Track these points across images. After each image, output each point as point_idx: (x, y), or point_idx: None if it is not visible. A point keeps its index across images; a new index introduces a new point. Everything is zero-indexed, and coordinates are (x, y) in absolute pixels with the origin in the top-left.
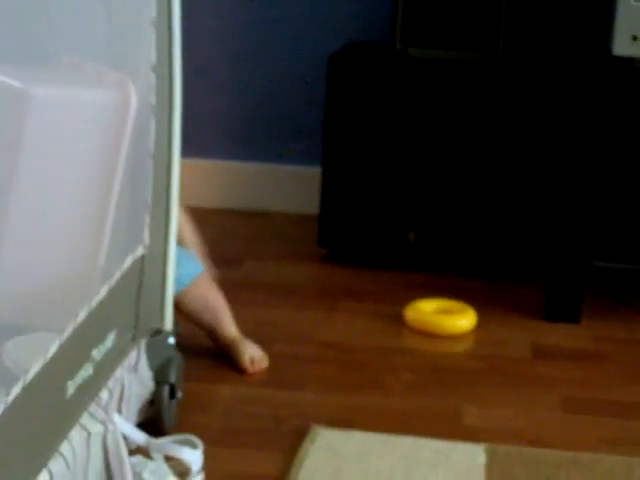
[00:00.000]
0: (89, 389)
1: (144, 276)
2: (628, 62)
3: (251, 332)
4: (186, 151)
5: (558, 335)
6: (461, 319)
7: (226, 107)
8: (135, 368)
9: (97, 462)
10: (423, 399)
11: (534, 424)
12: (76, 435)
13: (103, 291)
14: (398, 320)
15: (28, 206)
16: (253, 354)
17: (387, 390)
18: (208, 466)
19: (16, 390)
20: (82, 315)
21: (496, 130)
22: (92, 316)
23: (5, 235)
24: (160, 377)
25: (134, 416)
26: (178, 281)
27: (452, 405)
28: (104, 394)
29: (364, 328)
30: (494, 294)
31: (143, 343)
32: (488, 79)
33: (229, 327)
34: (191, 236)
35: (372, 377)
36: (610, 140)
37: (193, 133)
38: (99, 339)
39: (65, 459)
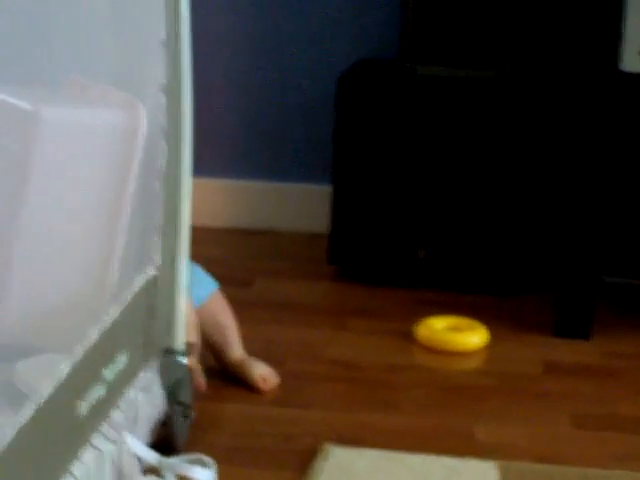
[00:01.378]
0: (101, 409)
1: (155, 296)
2: (636, 78)
3: (261, 351)
4: (195, 171)
5: (568, 351)
6: (472, 336)
7: (235, 126)
8: (147, 388)
9: None
10: (434, 416)
11: (545, 440)
12: (88, 455)
13: (114, 311)
14: (409, 337)
15: (38, 227)
16: (263, 372)
17: (398, 408)
18: None
19: (28, 411)
20: (93, 335)
21: (506, 147)
22: (103, 336)
23: (16, 256)
24: (172, 397)
25: (146, 436)
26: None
27: (463, 422)
28: (116, 414)
29: (375, 346)
30: (504, 311)
31: (154, 363)
32: (498, 96)
33: (237, 349)
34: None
35: (382, 395)
36: (620, 156)
37: (202, 152)
38: (110, 359)
39: (76, 479)
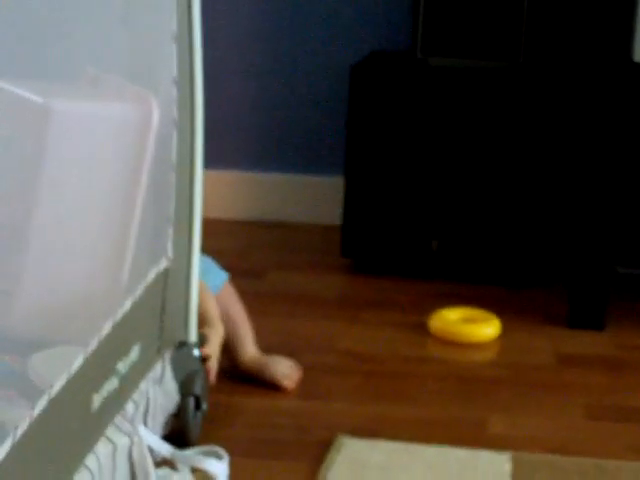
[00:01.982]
0: (114, 402)
1: (168, 289)
2: None
3: (275, 343)
4: (208, 163)
5: (582, 342)
6: (485, 327)
7: (247, 118)
8: (160, 380)
9: (123, 474)
10: (448, 408)
11: (559, 432)
12: (102, 448)
13: (127, 304)
14: (422, 329)
15: (51, 221)
16: (284, 369)
17: (412, 399)
18: (234, 477)
19: (42, 404)
20: (107, 328)
21: (518, 137)
22: (116, 329)
23: (28, 250)
24: (185, 389)
25: (160, 428)
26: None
27: (477, 414)
28: (129, 407)
29: (388, 338)
30: (518, 302)
31: (168, 355)
32: (510, 87)
33: (250, 346)
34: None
35: (396, 386)
36: (633, 146)
37: (215, 145)
38: (124, 352)
39: (91, 472)
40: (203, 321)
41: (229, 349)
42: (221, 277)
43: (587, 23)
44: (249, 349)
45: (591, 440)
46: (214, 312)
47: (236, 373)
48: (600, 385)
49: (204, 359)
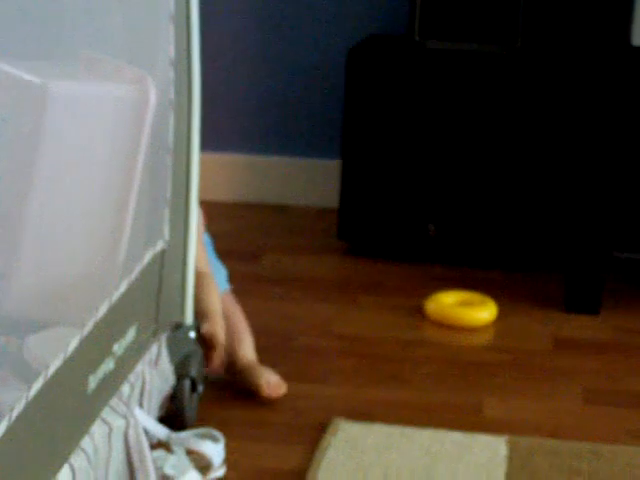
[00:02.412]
0: (110, 383)
1: (164, 271)
2: None
3: (271, 326)
4: (205, 145)
5: (579, 326)
6: (481, 311)
7: (244, 101)
8: (156, 362)
9: (119, 456)
10: (444, 391)
11: (555, 416)
12: (97, 430)
13: (123, 286)
14: (418, 313)
15: (48, 202)
16: (269, 378)
17: (408, 383)
18: (229, 460)
19: (37, 385)
20: (103, 310)
21: (516, 121)
22: (113, 311)
23: (25, 231)
24: (181, 371)
25: (155, 410)
26: None
27: (473, 397)
28: (125, 388)
29: (384, 321)
30: (514, 286)
31: (164, 337)
32: (507, 71)
33: (249, 351)
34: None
35: (393, 370)
36: (630, 131)
37: (212, 127)
38: (120, 333)
39: (87, 454)
40: (206, 315)
41: (227, 354)
42: (222, 286)
43: (585, 7)
44: (247, 356)
45: (587, 424)
46: (217, 307)
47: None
48: (597, 369)
49: (209, 345)
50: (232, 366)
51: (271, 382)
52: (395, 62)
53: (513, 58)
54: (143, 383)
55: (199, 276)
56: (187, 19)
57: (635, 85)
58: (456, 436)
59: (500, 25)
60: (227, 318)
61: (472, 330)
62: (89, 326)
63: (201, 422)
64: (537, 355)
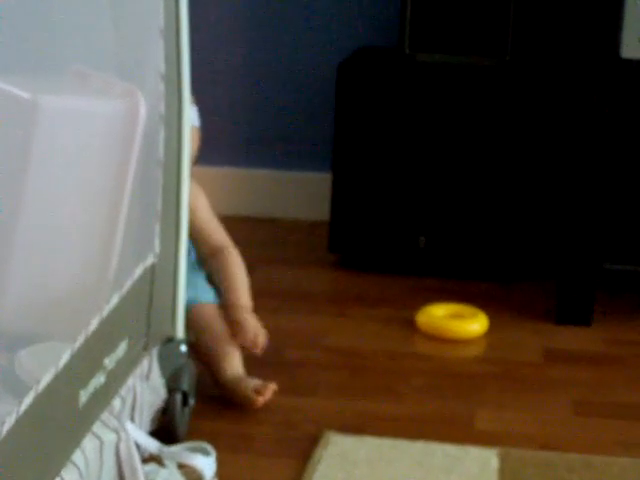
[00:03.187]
0: (102, 398)
1: (155, 284)
2: (636, 64)
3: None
4: (196, 159)
5: (569, 338)
6: (472, 323)
7: (234, 115)
8: (147, 376)
9: (110, 471)
10: (435, 404)
11: (546, 427)
12: (89, 444)
13: (114, 300)
14: (410, 325)
15: (38, 216)
16: (256, 385)
17: (399, 395)
18: (220, 473)
19: (28, 399)
20: (94, 324)
21: (506, 134)
22: (104, 325)
23: (16, 245)
24: (172, 385)
25: (147, 424)
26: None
27: (464, 410)
28: (116, 402)
29: (376, 333)
30: (505, 298)
31: (155, 351)
32: (497, 83)
33: (236, 364)
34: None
35: (384, 382)
36: (620, 142)
37: (202, 141)
38: (111, 348)
39: (78, 468)
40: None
41: (210, 364)
42: (210, 297)
43: (574, 20)
44: (234, 369)
45: (579, 435)
46: (224, 237)
47: (212, 393)
48: (588, 381)
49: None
50: (218, 379)
51: (258, 387)
52: (385, 75)
53: (503, 71)
54: (134, 397)
55: (222, 251)
56: (177, 33)
57: (625, 97)
58: (448, 448)
59: (490, 38)
60: (213, 331)
61: (463, 342)
62: (80, 340)
63: (192, 435)
64: (528, 367)
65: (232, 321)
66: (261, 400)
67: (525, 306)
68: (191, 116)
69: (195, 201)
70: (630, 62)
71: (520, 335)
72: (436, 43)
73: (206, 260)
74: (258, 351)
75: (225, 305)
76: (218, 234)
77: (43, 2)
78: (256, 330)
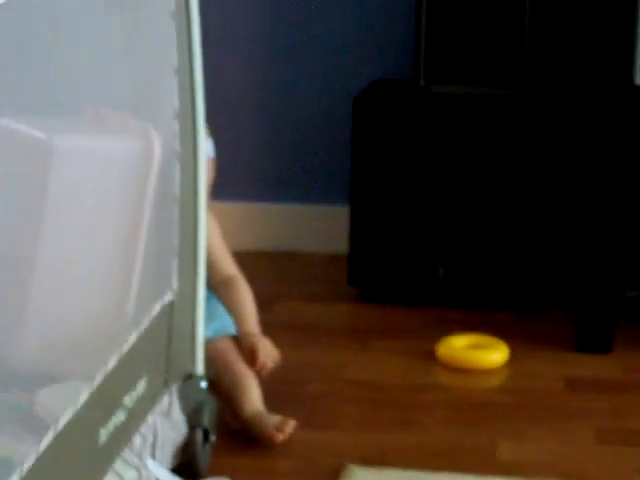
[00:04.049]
0: (122, 435)
1: (174, 321)
2: None
3: (284, 373)
4: (213, 195)
5: (591, 366)
6: (493, 353)
7: (252, 149)
8: (168, 413)
9: None
10: (457, 435)
11: (569, 457)
12: None
13: (133, 338)
14: (430, 356)
15: (56, 255)
16: (276, 422)
17: (421, 427)
18: None
19: (47, 439)
20: (112, 362)
21: (523, 163)
22: (122, 363)
23: (34, 285)
24: (193, 421)
25: (168, 461)
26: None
27: (486, 440)
28: (137, 440)
29: (397, 366)
30: (525, 327)
31: (175, 388)
32: (513, 113)
33: (255, 400)
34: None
35: (405, 414)
36: (638, 169)
37: (220, 177)
38: (130, 385)
39: None
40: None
41: (230, 400)
42: (227, 327)
43: (588, 48)
44: (253, 405)
45: (601, 464)
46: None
47: (233, 428)
48: (609, 409)
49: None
50: (238, 415)
51: (278, 425)
52: (401, 107)
53: (519, 100)
54: (155, 434)
55: (231, 280)
56: (191, 71)
57: (639, 123)
58: None
59: (505, 67)
60: (231, 366)
61: (484, 373)
62: (99, 379)
63: (214, 471)
64: (549, 396)
65: (246, 349)
66: (281, 437)
67: (545, 335)
68: (206, 148)
69: (211, 234)
70: None
71: (541, 364)
72: (451, 74)
73: (216, 289)
74: (264, 372)
75: (239, 334)
76: (228, 265)
77: (59, 44)
78: (268, 352)
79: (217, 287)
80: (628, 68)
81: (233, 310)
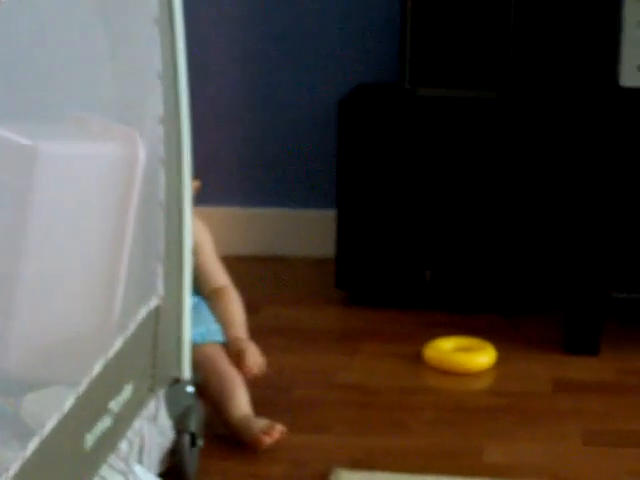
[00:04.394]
0: (108, 441)
1: (159, 326)
2: (636, 93)
3: (271, 378)
4: (199, 199)
5: (578, 368)
6: (480, 356)
7: (236, 154)
8: (154, 418)
9: None
10: (445, 438)
11: (556, 459)
12: None
13: (118, 343)
14: (418, 359)
15: (41, 262)
16: (263, 426)
17: (409, 430)
18: None
19: (33, 445)
20: (98, 368)
21: (509, 166)
22: (108, 368)
23: (19, 291)
24: (180, 426)
25: (155, 466)
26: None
27: (474, 443)
28: (124, 445)
29: (384, 369)
30: (512, 329)
31: (162, 393)
32: (499, 115)
33: (242, 404)
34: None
35: (393, 418)
36: (623, 171)
37: (205, 181)
38: (116, 391)
39: None
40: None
41: (218, 405)
42: (213, 334)
43: (573, 50)
44: (241, 409)
45: (589, 466)
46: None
47: (221, 432)
48: (597, 410)
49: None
50: (226, 420)
51: (265, 428)
52: (387, 111)
53: (504, 102)
54: (142, 439)
55: (222, 290)
56: (175, 75)
57: (625, 125)
58: None
59: (490, 69)
60: (219, 370)
61: (472, 375)
62: (84, 384)
63: (201, 476)
64: (537, 398)
65: (234, 353)
66: (268, 441)
67: (533, 337)
68: None
69: (201, 240)
70: (630, 91)
71: (528, 366)
72: (436, 77)
73: (207, 300)
74: (250, 376)
75: (227, 339)
76: (220, 276)
77: (41, 49)
78: (255, 357)
79: (208, 297)
80: (613, 70)
81: (222, 317)
